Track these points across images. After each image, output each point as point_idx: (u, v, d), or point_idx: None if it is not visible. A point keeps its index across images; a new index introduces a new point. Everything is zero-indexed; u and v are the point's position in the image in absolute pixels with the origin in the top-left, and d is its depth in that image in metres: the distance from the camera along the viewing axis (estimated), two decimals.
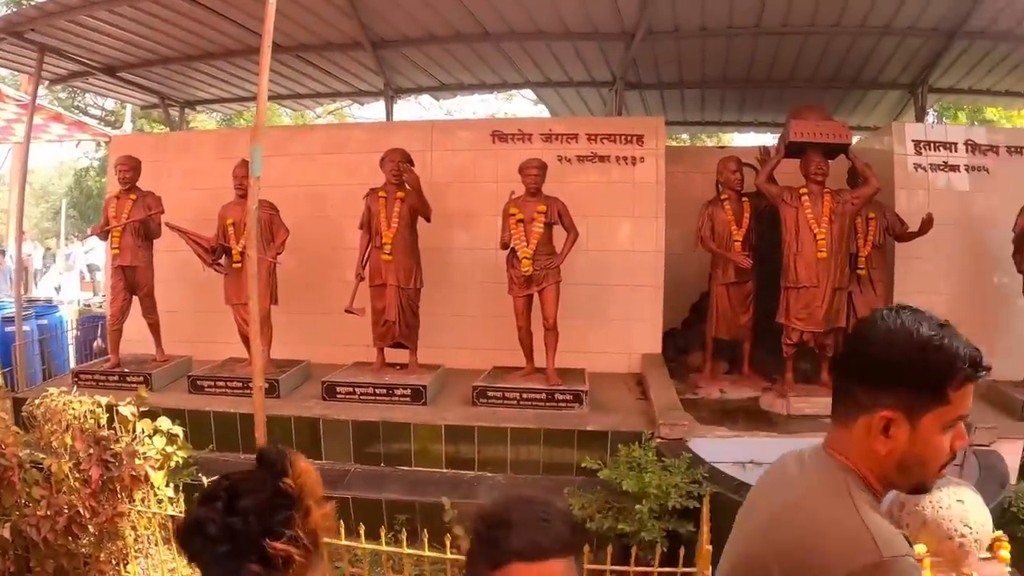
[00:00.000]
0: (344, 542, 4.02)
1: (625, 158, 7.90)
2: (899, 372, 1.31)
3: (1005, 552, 3.75)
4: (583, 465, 5.38)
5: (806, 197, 6.54)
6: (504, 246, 6.60)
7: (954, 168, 8.13)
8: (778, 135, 7.49)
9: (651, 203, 7.87)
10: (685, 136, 16.65)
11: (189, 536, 1.31)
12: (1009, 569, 1.62)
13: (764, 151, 7.07)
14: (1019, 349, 7.29)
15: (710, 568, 4.01)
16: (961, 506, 3.82)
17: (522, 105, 11.54)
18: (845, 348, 1.48)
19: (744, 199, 7.16)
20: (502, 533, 1.31)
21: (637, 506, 4.72)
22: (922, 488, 1.42)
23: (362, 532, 4.00)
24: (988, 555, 3.74)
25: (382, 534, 4.00)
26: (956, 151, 8.15)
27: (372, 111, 10.76)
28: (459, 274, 7.93)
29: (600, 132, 7.95)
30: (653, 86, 9.62)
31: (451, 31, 8.12)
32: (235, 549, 1.27)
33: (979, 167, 8.16)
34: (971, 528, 3.77)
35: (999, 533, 3.88)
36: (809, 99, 8.09)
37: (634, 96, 9.79)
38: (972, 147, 8.16)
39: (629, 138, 7.90)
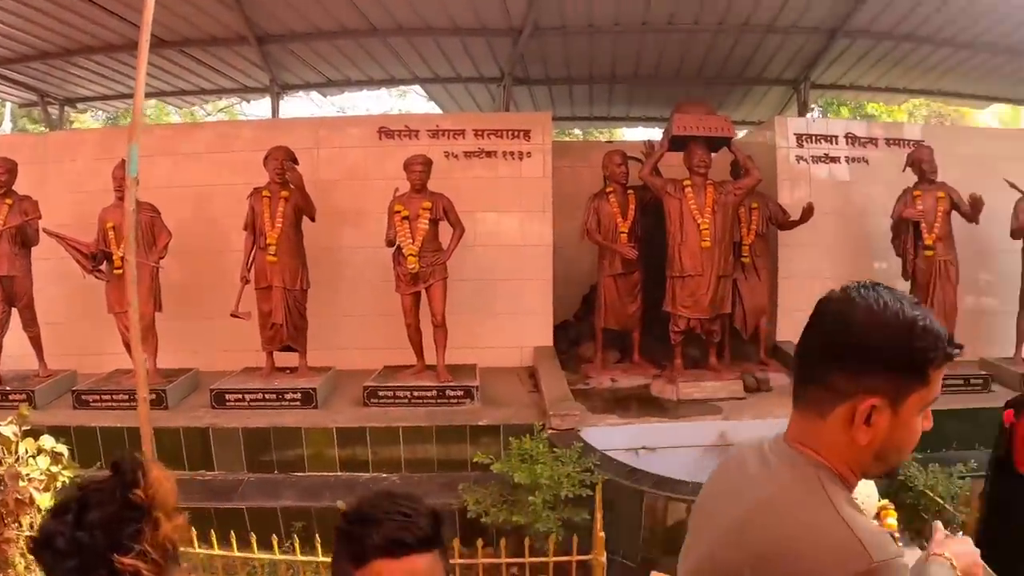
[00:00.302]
0: (238, 554, 3.90)
1: (512, 153, 7.90)
2: (886, 355, 1.21)
3: (892, 520, 3.84)
4: (476, 460, 5.35)
5: (689, 189, 6.68)
6: (390, 243, 6.49)
7: (835, 160, 8.48)
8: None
9: (538, 198, 7.91)
10: (578, 131, 16.81)
11: (40, 550, 1.23)
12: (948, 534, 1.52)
13: (649, 145, 7.16)
14: None
15: (604, 553, 4.06)
16: None
17: (416, 102, 11.47)
18: (816, 333, 1.31)
19: (629, 192, 7.25)
20: (365, 530, 1.29)
21: (530, 498, 4.72)
22: (892, 473, 1.35)
23: (254, 542, 3.89)
24: (874, 523, 3.90)
25: (275, 543, 3.90)
26: (837, 143, 8.51)
27: (265, 109, 10.48)
28: (348, 273, 7.77)
29: (487, 128, 7.91)
30: (541, 82, 9.68)
31: (337, 26, 7.98)
32: (83, 564, 1.19)
33: (859, 158, 8.54)
34: (855, 496, 3.90)
35: (885, 502, 3.96)
36: (696, 95, 8.32)
37: (523, 92, 9.84)
38: (852, 139, 8.55)
39: (516, 133, 7.90)
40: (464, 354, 7.12)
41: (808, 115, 10.30)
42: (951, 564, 1.45)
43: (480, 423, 5.97)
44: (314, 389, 6.46)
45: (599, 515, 4.45)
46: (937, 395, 1.26)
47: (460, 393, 6.42)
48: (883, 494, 5.20)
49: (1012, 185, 7.42)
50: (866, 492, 3.85)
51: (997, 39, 8.72)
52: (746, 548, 1.27)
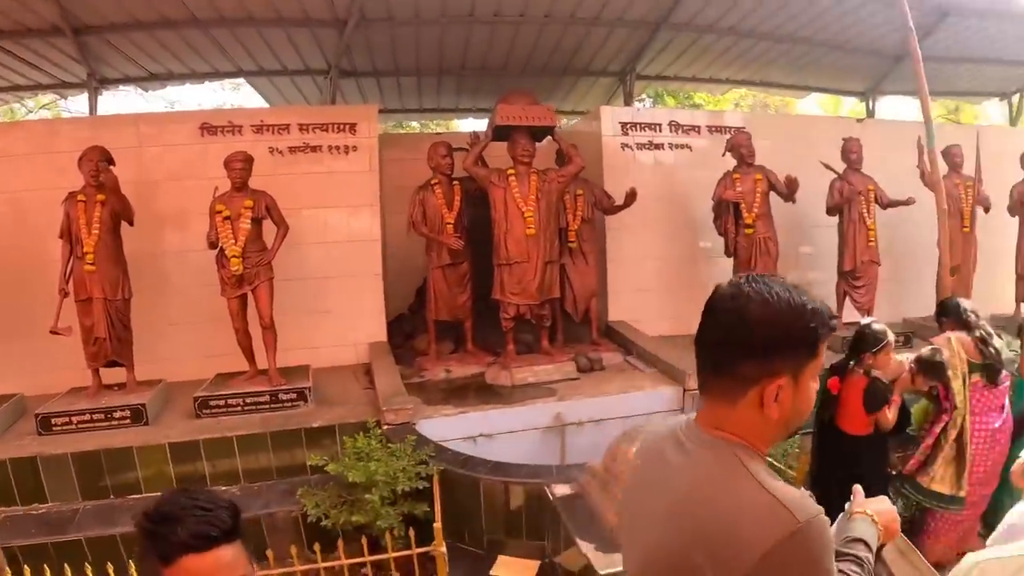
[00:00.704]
0: None
1: (338, 147, 7.75)
2: (787, 341, 1.34)
3: None
4: (311, 463, 5.25)
5: (513, 178, 6.80)
6: (212, 245, 6.20)
7: (659, 146, 8.85)
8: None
9: (366, 192, 7.80)
10: (415, 124, 16.74)
11: None
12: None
13: (474, 136, 7.19)
14: None
15: (443, 544, 4.06)
16: None
17: (251, 95, 10.96)
18: (715, 328, 1.41)
19: (455, 183, 7.30)
20: (169, 528, 1.31)
21: (367, 496, 4.67)
22: (794, 434, 1.50)
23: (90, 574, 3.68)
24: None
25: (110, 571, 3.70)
26: (661, 131, 8.89)
27: (103, 106, 9.65)
28: (174, 279, 7.38)
29: (312, 122, 7.73)
30: (369, 74, 9.51)
31: (158, 16, 7.50)
32: None
33: (682, 145, 8.97)
34: None
35: None
36: (525, 86, 8.40)
37: (350, 84, 9.66)
38: (676, 127, 8.96)
39: (342, 127, 7.75)
40: (298, 355, 6.96)
41: (639, 105, 10.67)
42: (872, 519, 1.62)
43: (314, 425, 5.80)
44: (144, 405, 6.06)
45: (438, 506, 4.48)
46: (823, 361, 1.42)
47: (293, 396, 6.24)
48: None
49: (827, 166, 7.99)
50: None
51: (814, 33, 9.39)
52: (689, 531, 1.35)
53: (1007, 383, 4.36)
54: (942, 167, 8.36)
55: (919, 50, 6.32)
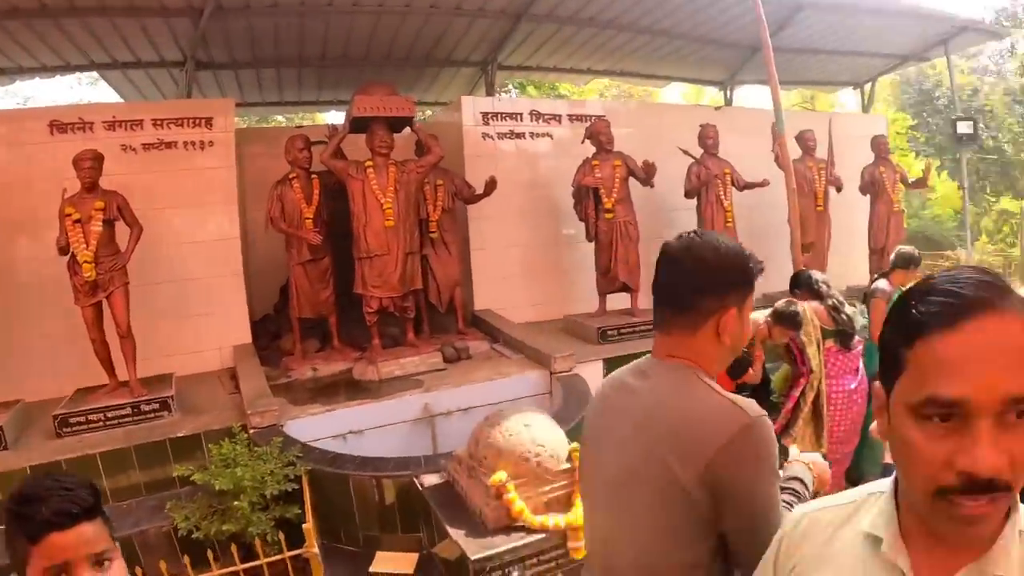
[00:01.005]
0: None
1: (194, 143, 7.39)
2: (736, 277, 1.63)
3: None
4: (176, 475, 5.07)
5: (371, 169, 6.73)
6: (63, 251, 5.75)
7: (520, 136, 8.96)
8: None
9: (223, 189, 7.50)
10: (280, 118, 16.35)
11: None
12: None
13: (332, 128, 7.09)
14: (590, 286, 8.29)
15: (316, 545, 4.00)
16: (529, 430, 4.14)
17: (111, 91, 10.29)
18: (678, 272, 1.67)
19: (313, 176, 7.14)
20: (33, 508, 1.38)
21: (236, 503, 4.54)
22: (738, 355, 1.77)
23: None
24: (568, 465, 4.12)
25: None
26: (522, 120, 9.00)
27: None
28: (27, 291, 6.82)
29: (166, 117, 7.34)
30: (227, 66, 9.15)
31: (5, 4, 6.88)
32: None
33: (543, 134, 9.13)
34: (544, 446, 4.09)
35: (575, 444, 4.28)
36: (387, 77, 8.37)
37: (208, 77, 9.30)
38: (537, 116, 9.10)
39: (197, 121, 7.41)
40: (162, 363, 6.61)
41: (505, 95, 10.74)
42: (808, 467, 1.91)
43: (179, 435, 5.53)
44: (1, 428, 5.69)
45: (307, 507, 4.42)
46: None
47: (156, 406, 5.89)
48: (576, 435, 5.61)
49: (684, 151, 8.32)
50: (550, 438, 4.18)
51: (672, 26, 9.70)
52: (656, 433, 1.58)
53: (860, 347, 4.77)
54: (796, 151, 8.91)
55: (770, 41, 6.64)
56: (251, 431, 5.27)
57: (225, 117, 7.58)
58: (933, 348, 0.89)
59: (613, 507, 1.72)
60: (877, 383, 1.02)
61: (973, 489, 0.87)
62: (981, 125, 17.58)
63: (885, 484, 1.10)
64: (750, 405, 1.54)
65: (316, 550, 3.97)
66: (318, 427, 5.70)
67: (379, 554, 4.74)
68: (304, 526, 3.97)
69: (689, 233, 1.70)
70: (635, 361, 1.79)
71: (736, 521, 1.54)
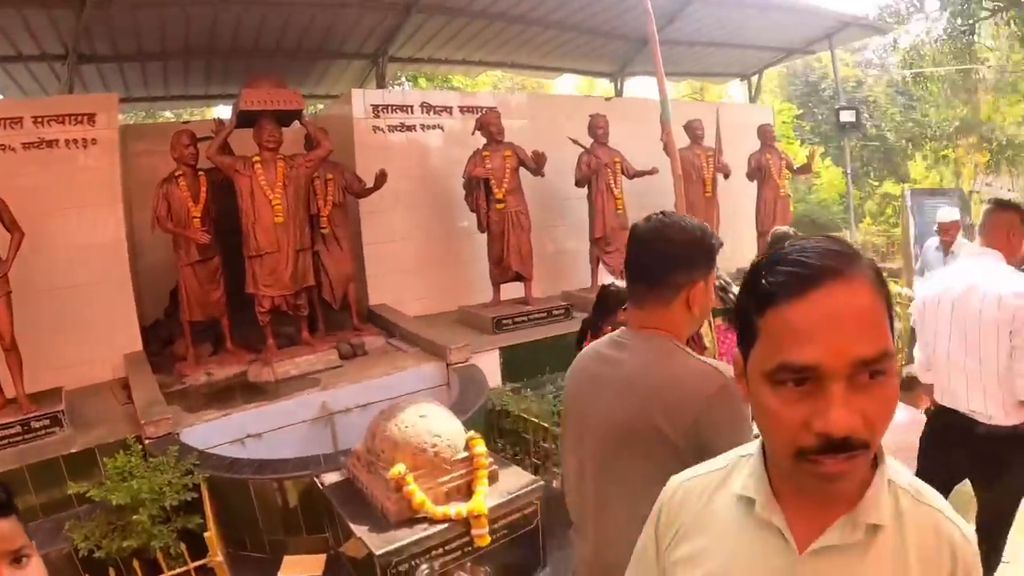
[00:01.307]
0: None
1: (76, 141, 7.00)
2: (701, 252, 1.85)
3: (479, 447, 4.17)
4: (72, 492, 4.82)
5: (259, 165, 6.57)
6: None
7: (411, 128, 8.94)
8: None
9: (108, 189, 7.14)
10: (169, 113, 15.81)
11: None
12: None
13: (219, 123, 6.90)
14: (484, 276, 8.38)
15: (219, 554, 3.96)
16: (425, 420, 4.14)
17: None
18: (650, 251, 1.87)
19: (200, 174, 6.88)
20: None
21: (135, 517, 4.43)
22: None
23: None
24: (465, 454, 4.16)
25: None
26: (413, 113, 8.97)
27: None
28: None
29: (47, 113, 6.92)
30: (111, 59, 8.65)
31: None
32: None
33: (434, 125, 9.13)
34: (440, 436, 4.10)
35: (472, 433, 4.33)
36: (276, 70, 8.06)
37: (91, 71, 8.80)
38: (428, 108, 9.09)
39: (79, 118, 7.01)
40: (51, 377, 6.24)
41: (397, 88, 10.67)
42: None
43: (73, 451, 5.25)
44: None
45: (208, 515, 4.32)
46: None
47: (47, 422, 5.53)
48: (486, 424, 5.72)
49: (574, 141, 8.47)
50: (446, 428, 4.19)
51: (564, 18, 9.79)
52: (643, 392, 1.76)
53: None
54: (685, 140, 9.23)
55: (659, 34, 6.80)
56: (146, 442, 5.07)
57: (109, 113, 7.22)
58: (783, 316, 0.92)
59: (605, 470, 1.87)
60: (736, 351, 1.06)
61: (830, 448, 0.90)
62: (864, 115, 18.64)
63: (753, 447, 1.14)
64: (725, 368, 1.74)
65: (220, 558, 3.92)
66: (215, 433, 5.56)
67: (286, 558, 4.68)
68: (206, 535, 3.88)
69: (657, 215, 1.90)
70: (608, 335, 2.01)
71: None
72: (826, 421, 0.88)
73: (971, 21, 13.37)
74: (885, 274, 0.99)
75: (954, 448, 3.26)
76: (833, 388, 0.89)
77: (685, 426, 1.69)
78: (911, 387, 3.99)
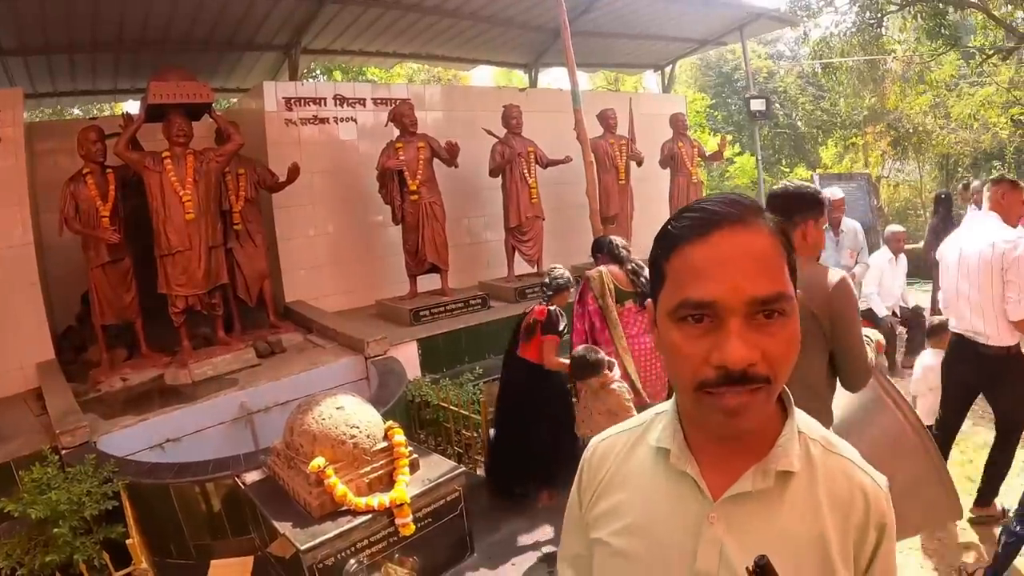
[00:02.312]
0: None
1: None
2: (808, 202, 2.93)
3: (399, 436, 4.21)
4: None
5: (168, 160, 6.41)
6: None
7: (324, 121, 8.86)
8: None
9: (13, 190, 6.81)
10: (78, 110, 15.27)
11: None
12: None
13: (127, 118, 6.70)
14: (400, 269, 8.39)
15: (143, 561, 3.92)
16: (342, 412, 4.15)
17: None
18: (778, 199, 3.00)
19: (109, 171, 6.66)
20: None
21: (56, 530, 4.37)
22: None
23: None
24: (385, 443, 4.20)
25: None
26: (326, 105, 8.89)
27: None
28: None
29: None
30: (15, 52, 8.28)
31: None
32: None
33: (348, 118, 9.07)
34: (358, 427, 4.12)
35: (390, 423, 4.37)
36: (186, 62, 7.89)
37: None
38: (341, 100, 9.02)
39: None
40: None
41: (311, 80, 10.52)
42: (869, 338, 3.00)
43: None
44: None
45: (130, 523, 4.23)
46: None
47: None
48: (405, 414, 5.79)
49: (488, 132, 8.57)
50: (364, 419, 4.21)
51: (478, 8, 9.83)
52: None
53: None
54: (599, 128, 9.42)
55: (572, 24, 6.91)
56: (63, 452, 4.93)
57: (13, 110, 6.89)
58: (686, 257, 0.97)
59: None
60: (649, 300, 1.10)
61: (730, 381, 0.94)
62: (776, 104, 19.23)
63: (669, 404, 1.19)
64: (838, 269, 2.73)
65: (145, 566, 3.90)
66: (133, 439, 5.46)
67: (213, 563, 4.59)
68: (128, 543, 3.85)
69: (785, 182, 3.07)
70: None
71: (841, 341, 2.63)
72: (723, 353, 0.93)
73: (879, 15, 13.95)
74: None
75: (964, 364, 4.39)
76: (731, 323, 0.94)
77: (822, 299, 2.60)
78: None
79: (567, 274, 5.14)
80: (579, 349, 4.51)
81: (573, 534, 1.33)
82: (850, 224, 7.04)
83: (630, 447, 1.23)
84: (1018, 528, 3.56)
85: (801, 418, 1.13)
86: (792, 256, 1.02)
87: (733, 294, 0.93)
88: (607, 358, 4.44)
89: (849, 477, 1.09)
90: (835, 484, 1.07)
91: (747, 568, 0.92)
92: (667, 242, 1.02)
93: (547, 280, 5.09)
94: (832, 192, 6.86)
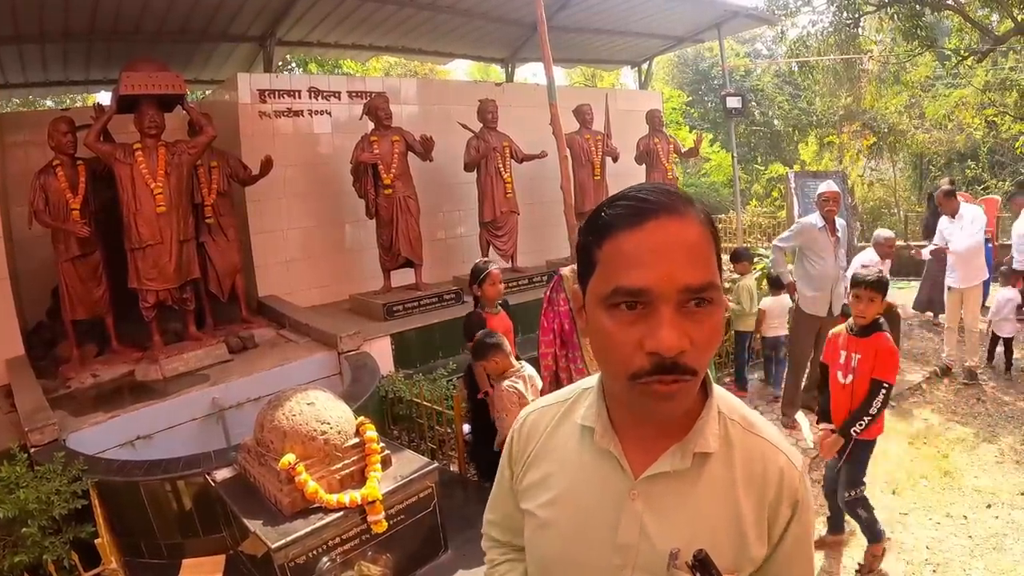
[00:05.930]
0: None
1: None
2: None
3: (370, 432, 4.18)
4: None
5: (140, 152, 6.33)
6: None
7: (298, 113, 8.81)
8: None
9: None
10: (50, 102, 15.04)
11: None
12: None
13: (99, 109, 6.59)
14: (374, 264, 8.39)
15: (114, 560, 3.87)
16: (313, 408, 4.10)
17: None
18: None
19: (79, 163, 6.59)
20: None
21: (25, 529, 4.31)
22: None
23: None
24: (357, 439, 4.15)
25: None
26: (300, 98, 8.84)
27: None
28: None
29: None
30: None
31: None
32: None
33: (322, 111, 9.02)
34: (329, 423, 4.07)
35: (362, 419, 4.32)
36: (160, 53, 7.82)
37: None
38: (315, 93, 8.97)
39: None
40: None
41: (286, 73, 10.41)
42: None
43: None
44: None
45: (99, 521, 4.17)
46: None
47: None
48: (380, 408, 5.75)
49: (464, 126, 8.57)
50: (335, 415, 4.13)
51: (455, 2, 9.78)
52: None
53: None
54: (575, 124, 9.43)
55: (550, 20, 6.89)
56: (31, 450, 4.85)
57: None
58: (619, 245, 0.98)
59: None
60: (576, 286, 1.11)
61: (661, 370, 0.95)
62: (752, 102, 19.31)
63: (594, 380, 1.23)
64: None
65: (115, 566, 3.85)
66: (104, 436, 5.38)
67: (185, 562, 4.52)
68: (97, 542, 3.79)
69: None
70: None
71: None
72: (656, 340, 0.94)
73: (856, 15, 14.10)
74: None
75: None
76: (663, 310, 0.95)
77: None
78: None
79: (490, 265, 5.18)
80: (481, 333, 4.54)
81: (501, 499, 1.40)
82: (840, 222, 7.09)
83: (557, 421, 1.27)
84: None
85: (722, 398, 1.17)
86: (719, 246, 1.04)
87: (667, 282, 0.95)
88: (506, 349, 4.41)
89: (766, 456, 1.13)
90: (752, 463, 1.12)
91: (687, 563, 0.97)
92: (600, 229, 1.03)
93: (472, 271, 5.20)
94: (827, 185, 6.83)
